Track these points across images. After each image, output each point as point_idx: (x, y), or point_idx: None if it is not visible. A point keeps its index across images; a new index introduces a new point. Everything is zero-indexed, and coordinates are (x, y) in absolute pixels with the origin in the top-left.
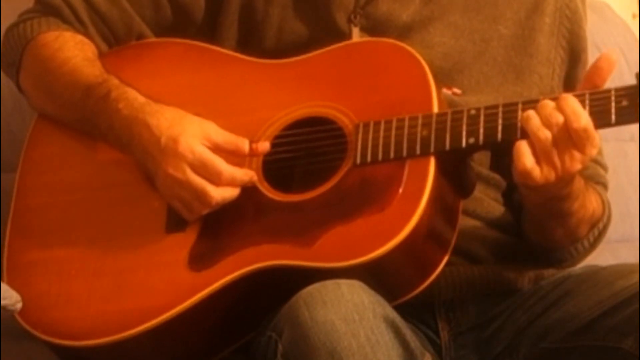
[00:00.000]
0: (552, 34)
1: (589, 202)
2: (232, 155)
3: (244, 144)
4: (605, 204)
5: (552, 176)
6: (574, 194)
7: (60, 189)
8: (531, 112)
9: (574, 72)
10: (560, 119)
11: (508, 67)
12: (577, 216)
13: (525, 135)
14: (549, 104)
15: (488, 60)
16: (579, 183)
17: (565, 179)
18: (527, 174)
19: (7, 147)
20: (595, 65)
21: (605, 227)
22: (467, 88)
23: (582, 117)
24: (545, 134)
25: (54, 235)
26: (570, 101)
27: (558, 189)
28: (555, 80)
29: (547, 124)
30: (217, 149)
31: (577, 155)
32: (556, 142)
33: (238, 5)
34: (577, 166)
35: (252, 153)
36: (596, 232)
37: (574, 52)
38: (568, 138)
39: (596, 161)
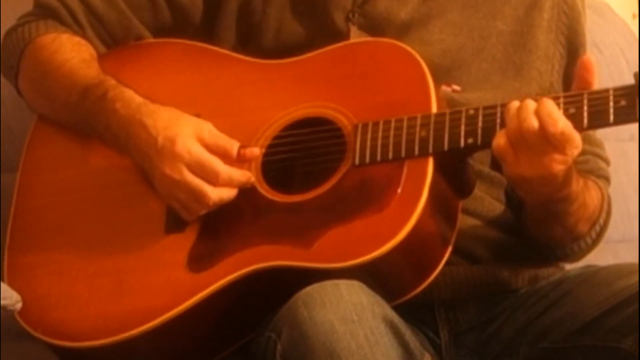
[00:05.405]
0: (550, 30)
1: (590, 201)
2: (222, 158)
3: (233, 149)
4: (604, 199)
5: (529, 171)
6: (572, 196)
7: (61, 189)
8: (512, 114)
9: (572, 67)
10: (534, 124)
11: (507, 63)
12: (576, 216)
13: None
14: (528, 107)
15: (487, 57)
16: (576, 184)
17: (548, 178)
18: (501, 152)
19: (7, 147)
20: (579, 66)
21: (606, 222)
22: (466, 85)
23: (559, 121)
24: (522, 136)
25: (54, 235)
26: (548, 105)
27: (552, 191)
28: (555, 76)
29: (519, 127)
30: (208, 150)
31: (557, 157)
32: (530, 145)
33: (236, 7)
34: (559, 166)
35: (240, 158)
36: (598, 228)
37: (573, 48)
38: (544, 141)
39: (597, 154)
